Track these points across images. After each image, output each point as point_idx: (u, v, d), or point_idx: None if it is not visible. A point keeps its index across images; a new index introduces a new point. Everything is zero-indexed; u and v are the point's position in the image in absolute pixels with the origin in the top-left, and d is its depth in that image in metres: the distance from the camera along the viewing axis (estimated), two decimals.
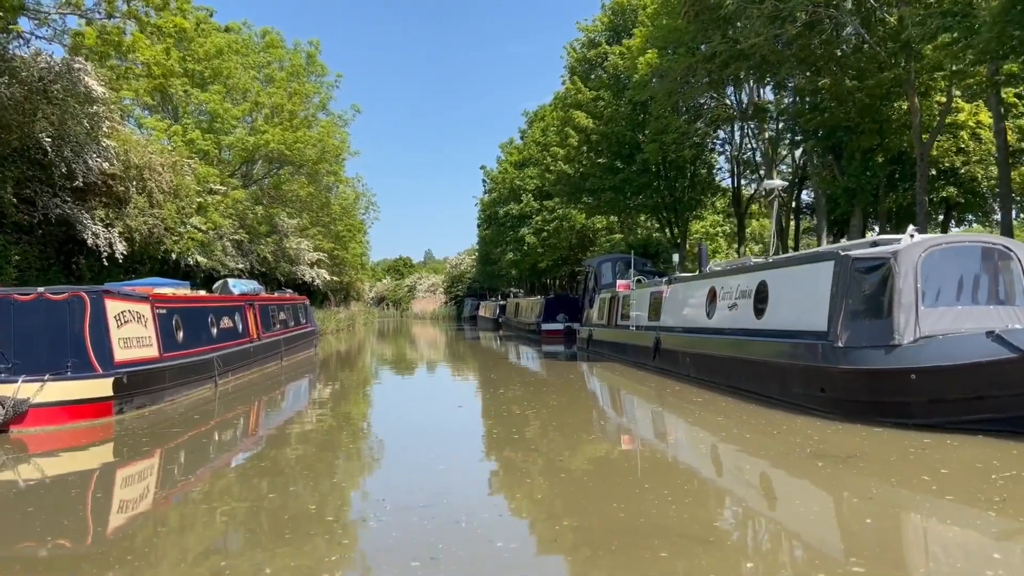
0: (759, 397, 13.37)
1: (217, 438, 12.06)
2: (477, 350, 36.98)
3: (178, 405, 14.84)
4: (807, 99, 23.07)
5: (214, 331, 18.56)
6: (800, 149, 33.53)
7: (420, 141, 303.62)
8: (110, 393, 12.65)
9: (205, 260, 33.45)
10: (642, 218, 50.84)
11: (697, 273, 19.00)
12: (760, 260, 15.92)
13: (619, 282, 23.13)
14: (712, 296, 16.84)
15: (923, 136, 21.00)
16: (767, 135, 30.25)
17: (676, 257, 27.21)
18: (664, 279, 20.57)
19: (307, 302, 33.35)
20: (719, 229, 51.90)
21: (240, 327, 21.05)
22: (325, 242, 58.30)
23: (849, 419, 10.92)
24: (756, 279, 14.58)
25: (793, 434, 10.27)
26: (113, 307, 13.24)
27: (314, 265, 54.66)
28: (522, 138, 60.93)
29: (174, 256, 32.00)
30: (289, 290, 34.97)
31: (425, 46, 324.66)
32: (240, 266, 38.04)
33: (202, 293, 20.06)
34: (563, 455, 9.60)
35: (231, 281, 22.36)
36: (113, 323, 13.11)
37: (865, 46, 20.21)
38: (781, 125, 28.82)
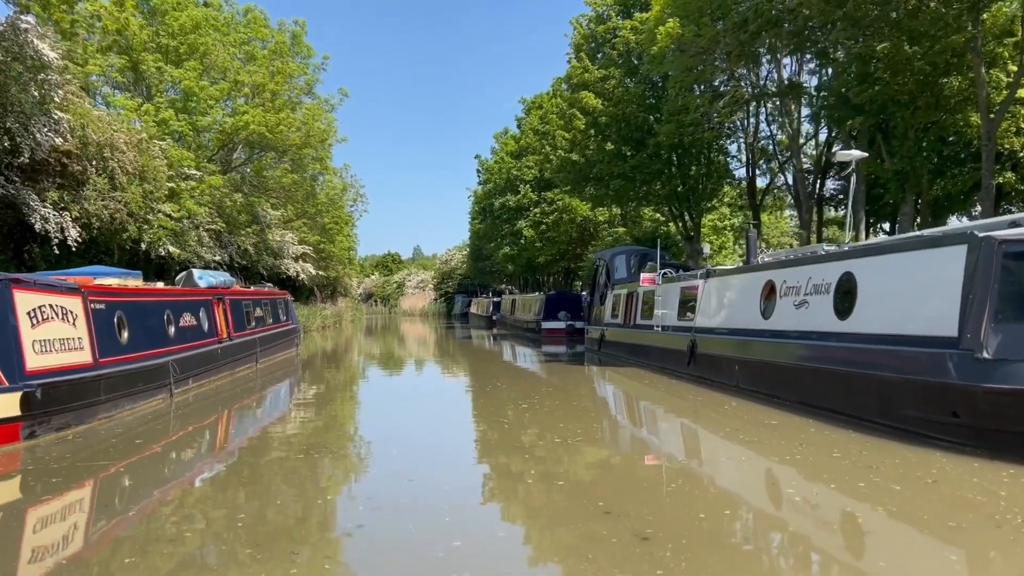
0: (847, 418, 10.60)
1: (156, 470, 9.15)
2: (474, 351, 34.10)
3: (117, 423, 11.91)
4: (855, 70, 20.30)
5: (171, 330, 15.62)
6: (826, 131, 30.91)
7: (409, 136, 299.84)
8: (17, 412, 9.72)
9: (178, 251, 30.46)
10: (646, 210, 48.11)
11: (745, 264, 16.18)
12: (832, 248, 13.13)
13: (643, 276, 20.29)
14: (769, 291, 14.04)
15: (989, 113, 18.33)
16: (796, 116, 27.44)
17: (706, 248, 24.33)
18: (698, 272, 17.76)
19: (288, 297, 30.38)
20: (727, 223, 49.14)
21: (206, 325, 18.11)
22: (311, 235, 55.25)
23: (997, 454, 8.17)
24: (837, 270, 11.77)
25: (955, 484, 7.42)
26: (25, 301, 10.29)
27: (299, 259, 51.66)
28: (519, 127, 57.92)
29: (144, 246, 29.05)
30: (269, 284, 31.96)
31: (417, 41, 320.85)
32: (217, 258, 35.03)
33: (160, 285, 17.09)
34: (628, 515, 6.75)
35: (197, 272, 19.39)
36: (25, 321, 10.16)
37: (932, 2, 17.44)
38: (816, 103, 26.06)
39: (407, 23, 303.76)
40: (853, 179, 14.12)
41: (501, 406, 13.86)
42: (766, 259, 15.30)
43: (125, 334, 13.22)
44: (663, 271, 20.09)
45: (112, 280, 14.12)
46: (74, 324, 11.42)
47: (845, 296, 11.45)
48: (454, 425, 12.47)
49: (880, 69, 19.72)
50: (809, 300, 12.44)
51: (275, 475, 8.75)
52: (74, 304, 11.58)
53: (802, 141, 28.79)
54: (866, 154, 15.21)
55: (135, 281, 15.10)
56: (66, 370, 10.89)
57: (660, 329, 19.47)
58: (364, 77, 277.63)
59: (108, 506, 7.67)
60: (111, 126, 25.92)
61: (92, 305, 12.12)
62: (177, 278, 19.77)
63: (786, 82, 25.89)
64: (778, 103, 28.55)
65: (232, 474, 9.00)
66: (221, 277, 20.85)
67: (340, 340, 44.01)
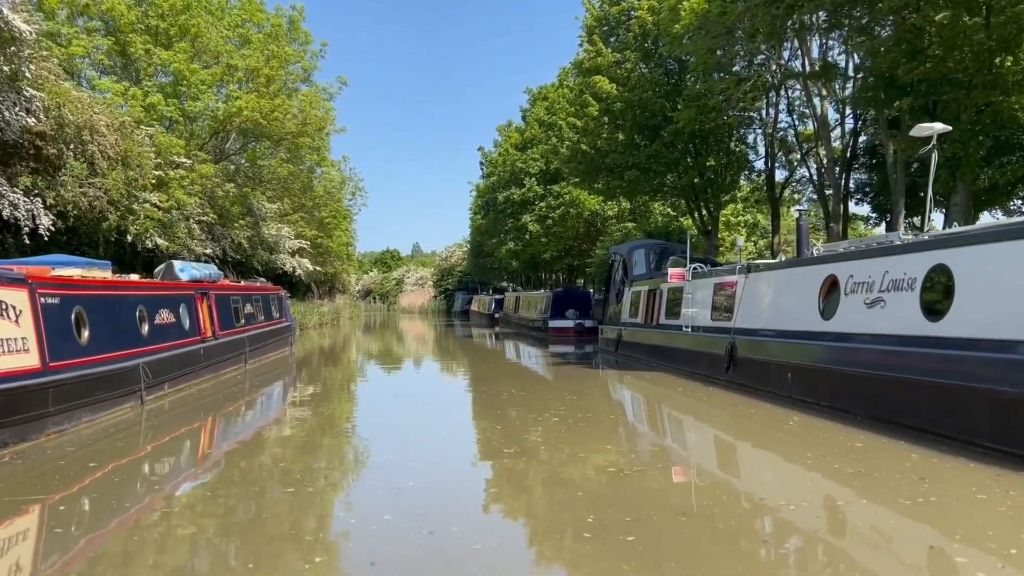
0: (943, 440, 8.78)
1: (106, 501, 7.29)
2: (479, 352, 32.28)
3: (70, 439, 10.06)
4: (905, 45, 18.44)
5: (144, 328, 13.76)
6: (852, 121, 29.08)
7: (407, 133, 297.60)
8: None
9: (166, 243, 28.63)
10: (656, 205, 46.29)
11: (797, 258, 14.33)
12: (909, 237, 11.28)
13: (671, 271, 18.41)
14: (830, 288, 12.19)
15: None
16: (825, 101, 25.56)
17: (740, 241, 22.40)
18: (736, 266, 15.89)
19: (282, 292, 28.50)
20: (741, 219, 47.34)
21: (187, 323, 16.25)
22: (308, 229, 53.34)
23: None
24: (924, 262, 9.92)
25: None
26: None
27: (295, 254, 49.76)
28: (524, 118, 55.97)
29: (130, 238, 27.22)
30: (262, 279, 30.07)
31: (416, 35, 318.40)
32: (208, 251, 33.19)
33: (133, 278, 15.22)
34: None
35: (178, 264, 17.54)
36: None
37: None
38: (852, 85, 24.21)
39: (407, 15, 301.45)
40: (934, 158, 12.20)
41: (524, 422, 12.00)
42: (821, 251, 13.44)
43: (85, 333, 11.36)
44: (693, 265, 18.21)
45: (74, 271, 12.27)
46: (17, 322, 9.56)
47: (937, 293, 9.60)
48: (475, 452, 10.40)
49: (935, 43, 17.86)
50: (885, 298, 10.58)
51: (254, 508, 6.90)
52: (18, 298, 9.72)
53: (831, 129, 26.83)
54: (949, 127, 13.32)
55: (102, 272, 13.24)
56: (4, 377, 9.04)
57: (689, 330, 17.61)
58: (362, 76, 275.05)
59: (41, 548, 5.85)
60: (90, 107, 24.03)
61: (42, 299, 10.26)
62: (156, 270, 17.90)
63: (817, 64, 23.95)
64: (803, 88, 26.72)
65: (201, 508, 7.15)
66: (206, 270, 18.99)
67: (338, 338, 42.19)
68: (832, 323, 11.82)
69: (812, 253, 13.49)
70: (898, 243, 10.97)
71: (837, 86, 25.16)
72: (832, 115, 30.30)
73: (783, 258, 17.75)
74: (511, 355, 28.22)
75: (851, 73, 24.57)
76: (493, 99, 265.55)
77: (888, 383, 10.06)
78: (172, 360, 14.68)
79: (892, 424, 9.86)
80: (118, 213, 24.39)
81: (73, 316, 11.11)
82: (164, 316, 14.89)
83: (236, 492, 7.73)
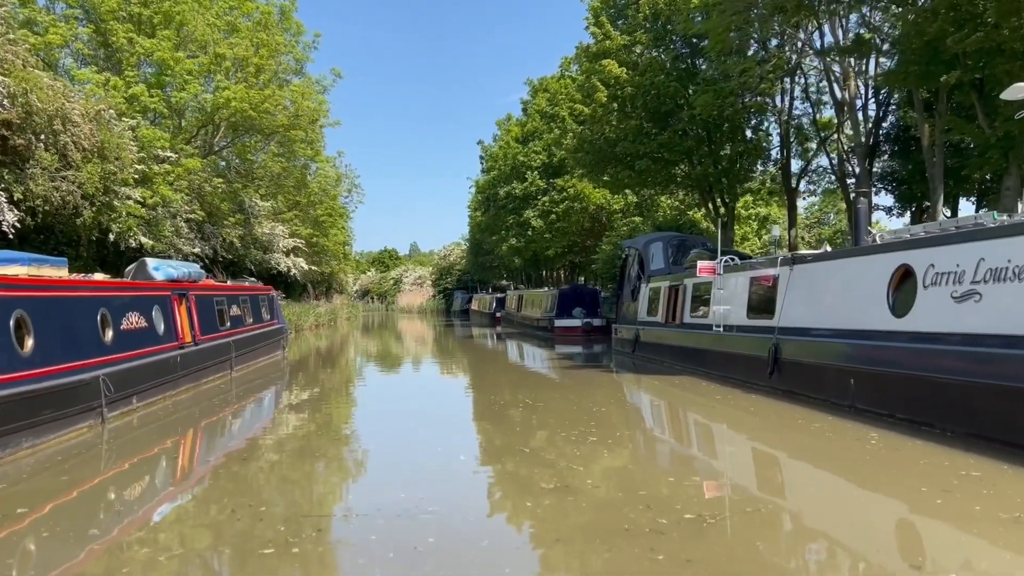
0: None
1: (38, 550, 5.53)
2: (484, 353, 30.54)
3: (5, 470, 8.32)
4: (955, 14, 16.74)
5: (107, 335, 12.00)
6: (873, 107, 27.37)
7: (406, 131, 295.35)
8: None
9: (151, 242, 26.85)
10: (664, 198, 44.59)
11: (855, 246, 12.58)
12: (1004, 217, 9.54)
13: (700, 264, 16.62)
14: (901, 280, 10.46)
15: None
16: (851, 80, 23.81)
17: (776, 230, 20.65)
18: (777, 258, 14.14)
19: (273, 293, 26.71)
20: (751, 212, 45.65)
21: (161, 327, 14.49)
22: (303, 228, 51.50)
23: None
24: None
25: None
26: None
27: (290, 253, 47.91)
28: (525, 111, 54.12)
29: (112, 236, 25.47)
30: (253, 279, 28.27)
31: (410, 36, 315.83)
32: (196, 251, 31.43)
33: (98, 277, 13.44)
34: None
35: (152, 262, 15.75)
36: None
37: None
38: (872, 64, 22.54)
39: (400, 12, 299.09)
40: None
41: (554, 443, 10.25)
42: (886, 237, 11.70)
43: (29, 341, 9.60)
44: (724, 258, 16.44)
45: (19, 269, 10.49)
46: None
47: None
48: (505, 490, 8.49)
49: (989, 10, 16.14)
50: (981, 291, 8.85)
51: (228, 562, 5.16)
52: None
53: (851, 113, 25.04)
54: None
55: (55, 271, 11.47)
56: None
57: (720, 329, 15.87)
58: (361, 74, 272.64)
59: None
60: (63, 95, 22.24)
61: None
62: (127, 269, 16.13)
63: (849, 38, 22.19)
64: (823, 70, 24.97)
65: (162, 558, 5.40)
66: (185, 268, 17.21)
67: (335, 339, 40.46)
68: (907, 321, 10.08)
69: (874, 239, 11.74)
70: (993, 225, 9.22)
71: (861, 65, 23.36)
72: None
73: (828, 248, 15.97)
74: (518, 357, 26.47)
75: (883, 48, 22.76)
76: (491, 97, 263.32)
77: (992, 393, 8.34)
78: (142, 370, 12.92)
79: (1000, 443, 8.15)
80: (94, 209, 22.59)
81: (12, 322, 9.34)
82: (133, 320, 13.12)
83: (203, 545, 5.98)
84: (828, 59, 23.28)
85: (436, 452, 9.90)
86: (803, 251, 13.67)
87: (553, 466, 8.45)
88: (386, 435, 11.65)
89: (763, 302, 14.34)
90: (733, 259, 16.47)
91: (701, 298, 17.40)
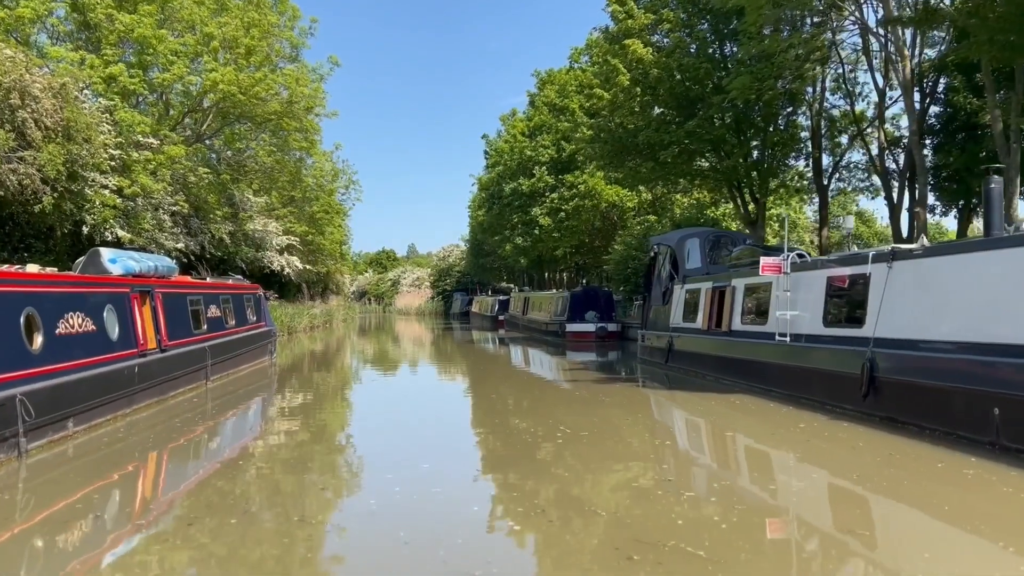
0: None
1: None
2: (491, 360, 27.96)
3: None
4: None
5: (33, 343, 9.42)
6: (918, 96, 24.85)
7: (405, 130, 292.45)
8: None
9: (128, 235, 24.32)
10: (678, 196, 42.10)
11: (987, 238, 10.00)
12: None
13: (764, 261, 13.99)
14: None
15: None
16: (907, 60, 21.28)
17: (850, 220, 18.09)
18: (868, 253, 11.58)
19: (260, 292, 24.11)
20: (771, 212, 43.04)
21: (116, 331, 11.91)
22: (298, 225, 48.89)
23: None
24: None
25: None
26: None
27: (284, 251, 45.29)
28: (532, 103, 51.49)
29: (86, 229, 23.01)
30: (238, 276, 25.63)
31: (409, 35, 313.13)
32: (180, 246, 28.87)
33: (32, 269, 10.83)
34: None
35: (108, 252, 13.15)
36: None
37: None
38: (942, 35, 20.06)
39: (397, 10, 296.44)
40: None
41: (597, 485, 7.70)
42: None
43: None
44: (791, 254, 13.84)
45: None
46: None
47: None
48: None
49: None
50: None
51: None
52: None
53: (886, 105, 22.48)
54: None
55: None
56: None
57: (786, 339, 13.30)
58: (359, 72, 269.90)
59: None
60: (24, 66, 19.67)
61: None
62: (77, 261, 13.53)
63: (918, 5, 19.62)
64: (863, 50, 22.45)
65: None
66: (151, 262, 14.62)
67: (330, 342, 37.94)
68: None
69: (1017, 228, 9.19)
70: None
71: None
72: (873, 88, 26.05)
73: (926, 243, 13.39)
74: (527, 366, 23.86)
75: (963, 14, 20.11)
76: (491, 99, 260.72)
77: None
78: (82, 385, 10.33)
79: None
80: (55, 195, 19.99)
81: None
82: (74, 323, 10.53)
83: None
84: (886, 33, 20.67)
85: (450, 497, 7.31)
86: (904, 245, 11.12)
87: (646, 533, 5.87)
88: (388, 463, 9.04)
89: (848, 307, 11.79)
90: (802, 255, 13.91)
91: (759, 301, 14.84)
